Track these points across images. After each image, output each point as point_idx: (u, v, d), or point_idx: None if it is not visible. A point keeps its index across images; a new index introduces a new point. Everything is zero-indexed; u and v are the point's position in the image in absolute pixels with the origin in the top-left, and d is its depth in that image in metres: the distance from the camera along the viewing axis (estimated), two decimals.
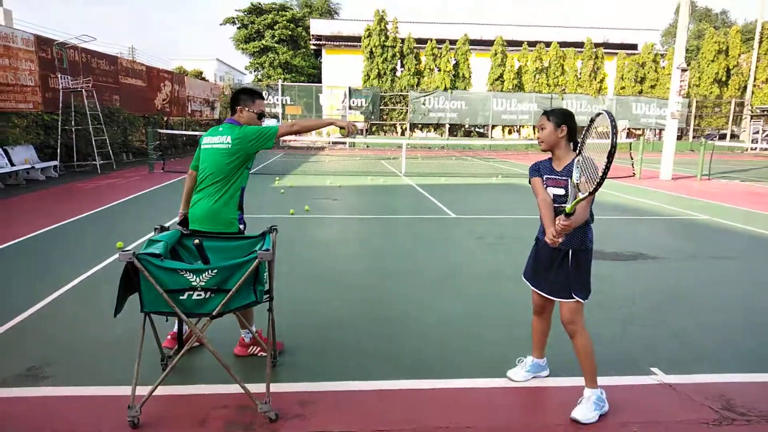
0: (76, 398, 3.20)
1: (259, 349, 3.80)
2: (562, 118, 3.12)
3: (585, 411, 3.01)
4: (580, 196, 2.80)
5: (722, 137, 38.17)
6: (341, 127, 3.77)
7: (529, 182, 3.26)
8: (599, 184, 2.71)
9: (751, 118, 37.92)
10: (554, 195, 3.13)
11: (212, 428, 2.89)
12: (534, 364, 3.51)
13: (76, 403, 3.15)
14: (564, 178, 3.11)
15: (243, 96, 3.72)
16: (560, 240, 2.93)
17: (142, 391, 2.96)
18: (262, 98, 3.83)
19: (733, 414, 3.09)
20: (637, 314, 4.71)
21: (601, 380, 3.36)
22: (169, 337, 3.79)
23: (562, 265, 3.14)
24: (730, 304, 5.11)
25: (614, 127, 2.62)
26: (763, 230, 8.70)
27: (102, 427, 2.89)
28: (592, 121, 2.92)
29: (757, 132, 37.24)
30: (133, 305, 2.94)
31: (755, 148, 34.83)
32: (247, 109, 3.69)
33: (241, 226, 3.72)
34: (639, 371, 3.64)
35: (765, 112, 36.84)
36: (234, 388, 3.19)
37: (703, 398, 3.27)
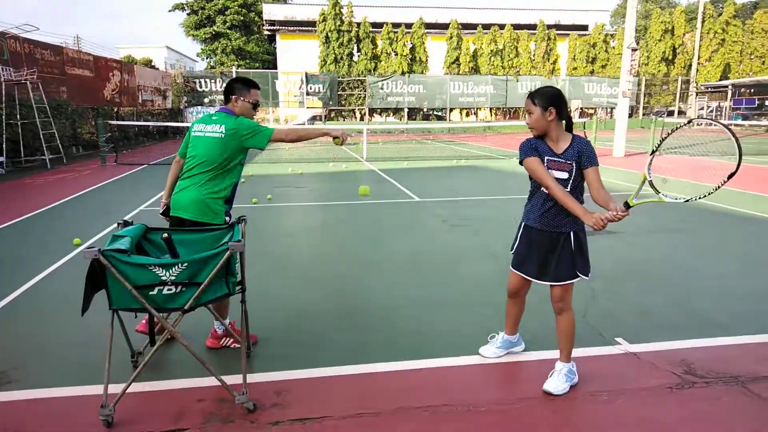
0: (46, 401, 3.11)
1: (232, 340, 3.76)
2: (548, 99, 2.97)
3: (557, 383, 3.12)
4: (662, 198, 2.86)
5: (670, 114, 39.57)
6: (335, 137, 3.72)
7: (521, 162, 3.09)
8: (710, 193, 2.91)
9: (697, 95, 39.41)
10: (556, 179, 3.02)
11: (190, 422, 2.86)
12: (505, 340, 3.58)
13: (46, 406, 3.06)
14: (568, 162, 3.02)
15: (238, 85, 3.63)
16: (606, 225, 2.86)
17: (116, 389, 2.90)
18: (258, 88, 3.75)
19: (693, 377, 3.26)
20: (599, 288, 4.88)
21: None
22: (143, 321, 3.69)
23: (564, 247, 3.12)
24: (685, 273, 5.35)
25: (736, 140, 2.66)
26: (710, 202, 9.09)
27: (75, 428, 2.82)
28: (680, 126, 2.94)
29: (702, 108, 38.77)
30: (98, 302, 2.86)
31: (701, 124, 36.15)
32: (242, 98, 3.61)
33: (227, 218, 3.66)
34: (604, 342, 3.78)
35: (709, 89, 38.32)
36: (210, 381, 3.15)
37: (666, 364, 3.43)
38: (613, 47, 38.68)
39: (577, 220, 3.05)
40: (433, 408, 2.97)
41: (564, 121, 3.07)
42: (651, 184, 2.93)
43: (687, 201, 2.93)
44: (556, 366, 3.21)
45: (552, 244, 3.14)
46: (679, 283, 5.05)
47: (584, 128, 21.18)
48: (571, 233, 3.12)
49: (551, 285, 3.19)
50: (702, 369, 3.36)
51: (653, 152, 3.03)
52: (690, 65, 39.86)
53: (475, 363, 3.52)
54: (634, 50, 17.57)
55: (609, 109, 38.58)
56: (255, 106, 3.69)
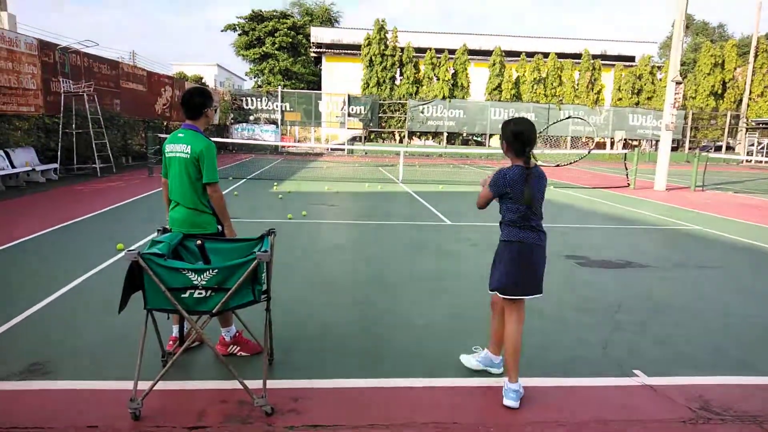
0: (79, 392, 3.33)
1: (239, 348, 3.92)
2: (505, 135, 3.36)
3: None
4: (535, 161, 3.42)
5: (718, 149, 38.49)
6: (228, 234, 3.86)
7: None
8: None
9: (747, 131, 38.26)
10: None
11: (211, 421, 3.01)
12: (486, 357, 3.70)
13: (79, 397, 3.27)
14: None
15: (206, 98, 3.80)
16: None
17: (143, 385, 3.08)
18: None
19: (709, 413, 3.23)
20: (623, 320, 4.85)
21: (585, 381, 3.52)
22: (170, 341, 3.91)
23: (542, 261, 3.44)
24: (713, 310, 5.25)
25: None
26: (750, 240, 8.87)
27: (104, 420, 3.01)
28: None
29: (753, 144, 37.57)
30: (132, 305, 3.06)
31: (750, 161, 35.10)
32: (210, 109, 3.82)
33: (219, 227, 3.86)
34: (622, 373, 3.77)
35: (760, 125, 37.17)
36: (231, 384, 3.32)
37: (682, 399, 3.41)
38: (660, 79, 38.07)
39: (501, 229, 3.42)
40: (443, 425, 3.05)
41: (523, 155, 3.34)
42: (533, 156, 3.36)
43: (557, 165, 3.64)
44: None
45: (542, 258, 3.47)
46: (705, 319, 4.98)
47: (625, 160, 20.88)
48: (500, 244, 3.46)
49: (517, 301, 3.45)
50: (719, 406, 3.33)
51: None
52: (740, 100, 38.83)
53: (486, 385, 3.57)
54: (678, 83, 17.32)
55: (654, 142, 37.84)
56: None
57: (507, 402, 3.26)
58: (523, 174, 3.24)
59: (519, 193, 3.24)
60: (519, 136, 3.28)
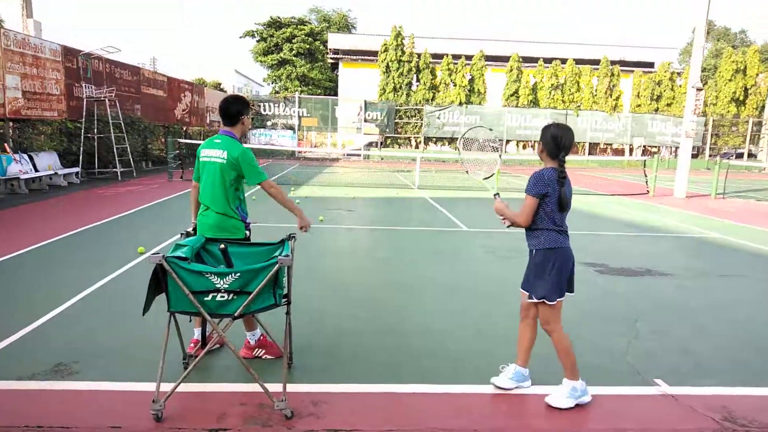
0: (102, 392, 3.38)
1: (264, 351, 3.96)
2: (544, 138, 3.44)
3: (557, 396, 3.37)
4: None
5: (739, 156, 37.90)
6: (301, 225, 3.96)
7: None
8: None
9: None
10: None
11: (231, 423, 3.04)
12: (518, 372, 3.59)
13: (102, 397, 3.33)
14: None
15: (242, 106, 3.86)
16: (504, 222, 3.52)
17: (165, 387, 3.12)
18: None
19: (733, 425, 3.18)
20: (643, 328, 4.80)
21: (606, 389, 3.49)
22: (192, 344, 3.96)
23: (530, 264, 3.60)
24: (736, 320, 5.17)
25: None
26: None
27: (127, 420, 3.06)
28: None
29: None
30: (155, 307, 3.11)
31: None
32: (247, 116, 3.88)
33: (247, 232, 3.90)
34: (643, 382, 3.73)
35: None
36: (251, 387, 3.35)
37: (705, 409, 3.37)
38: (680, 85, 37.64)
39: (536, 237, 3.42)
40: (461, 431, 3.04)
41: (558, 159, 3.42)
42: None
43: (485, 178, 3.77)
44: (563, 382, 3.39)
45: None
46: (729, 329, 4.90)
47: (644, 166, 20.67)
48: (534, 251, 3.48)
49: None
50: (744, 417, 3.28)
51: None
52: (763, 106, 38.23)
53: (508, 392, 3.56)
54: (699, 90, 17.12)
55: (673, 149, 37.40)
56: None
57: (568, 401, 3.33)
58: (557, 175, 3.32)
59: (556, 193, 3.30)
60: (556, 139, 3.37)
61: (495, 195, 3.63)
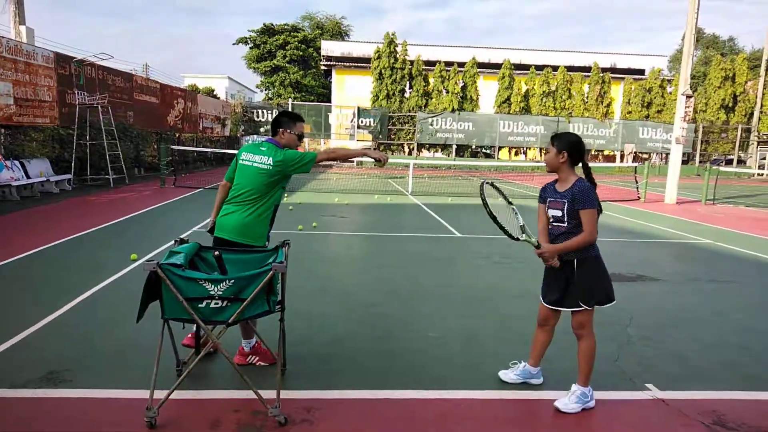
0: (95, 400, 3.37)
1: (257, 358, 3.96)
2: (565, 144, 3.34)
3: (567, 402, 3.35)
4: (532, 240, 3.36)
5: (729, 162, 38.28)
6: (376, 159, 4.00)
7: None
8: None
9: (758, 144, 38.06)
10: (552, 215, 3.38)
11: (225, 430, 3.04)
12: (525, 370, 3.72)
13: (95, 405, 3.32)
14: (561, 200, 3.35)
15: (284, 119, 3.95)
16: (554, 263, 3.29)
17: (159, 394, 3.12)
18: (302, 121, 4.07)
19: (723, 429, 3.22)
20: (635, 333, 4.85)
21: (597, 395, 3.52)
22: (189, 335, 3.96)
23: (571, 275, 3.38)
24: (726, 325, 5.23)
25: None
26: (763, 254, 8.81)
27: (121, 427, 3.05)
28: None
29: (764, 158, 37.35)
30: (149, 314, 3.11)
31: (762, 174, 34.88)
32: (288, 131, 3.93)
33: (267, 243, 3.92)
34: (634, 387, 3.77)
35: None
36: (245, 394, 3.35)
37: (695, 413, 3.40)
38: (670, 93, 38.02)
39: (580, 251, 3.32)
40: None
41: (578, 165, 3.41)
42: (522, 229, 3.51)
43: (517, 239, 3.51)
44: (572, 387, 3.40)
45: (559, 272, 3.39)
46: (718, 334, 4.95)
47: (635, 173, 20.83)
48: (575, 261, 3.33)
49: (571, 312, 3.42)
50: (734, 421, 3.31)
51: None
52: (752, 113, 38.67)
53: (500, 398, 3.59)
54: (689, 97, 17.31)
55: (664, 155, 37.72)
56: (300, 137, 4.01)
57: (576, 406, 3.35)
58: (590, 181, 3.39)
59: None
60: (579, 145, 3.36)
61: (537, 245, 3.42)
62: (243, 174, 3.83)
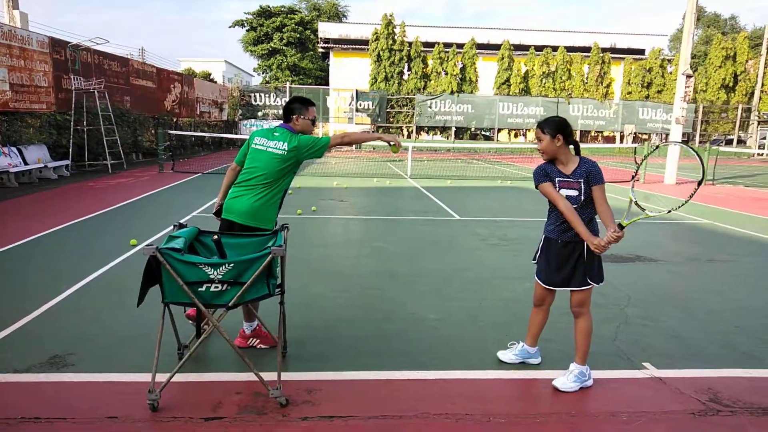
0: (98, 384, 3.41)
1: (258, 341, 3.99)
2: (556, 127, 3.35)
3: (565, 380, 3.41)
4: (648, 213, 3.31)
5: (729, 142, 38.19)
6: (392, 143, 4.01)
7: (537, 187, 3.45)
8: (681, 205, 3.38)
9: (759, 124, 37.91)
10: (567, 196, 3.38)
11: (227, 412, 3.08)
12: (523, 349, 3.79)
13: (98, 389, 3.35)
14: (577, 180, 3.36)
15: (297, 105, 3.94)
16: (608, 247, 3.25)
17: (161, 377, 3.15)
18: (314, 105, 4.06)
19: (719, 405, 3.26)
20: (633, 314, 4.88)
21: (595, 374, 3.56)
22: (190, 311, 3.97)
23: (578, 256, 3.43)
24: (723, 304, 5.26)
25: (701, 159, 3.14)
26: (762, 234, 8.83)
27: (123, 410, 3.09)
28: (656, 147, 3.44)
29: (765, 138, 37.24)
30: (149, 298, 3.14)
31: (762, 154, 34.81)
32: (302, 117, 3.92)
33: (275, 227, 3.92)
34: (632, 366, 3.81)
35: None
36: (246, 376, 3.39)
37: (691, 391, 3.44)
38: (670, 72, 37.78)
39: (591, 229, 3.35)
40: (455, 416, 3.10)
41: (572, 146, 3.41)
42: (636, 204, 3.42)
43: (669, 212, 3.44)
44: (570, 366, 3.46)
45: (568, 253, 3.42)
46: (717, 313, 4.99)
47: (635, 153, 20.78)
48: (584, 243, 3.36)
49: (570, 291, 3.47)
50: (729, 398, 3.36)
51: (634, 177, 3.64)
52: (752, 93, 38.46)
53: (497, 377, 3.63)
54: (689, 77, 17.21)
55: (664, 135, 37.61)
56: (313, 122, 4.01)
57: (575, 385, 3.40)
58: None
59: None
60: (566, 125, 3.39)
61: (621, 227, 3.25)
62: (256, 158, 3.83)
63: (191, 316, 3.95)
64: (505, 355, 3.82)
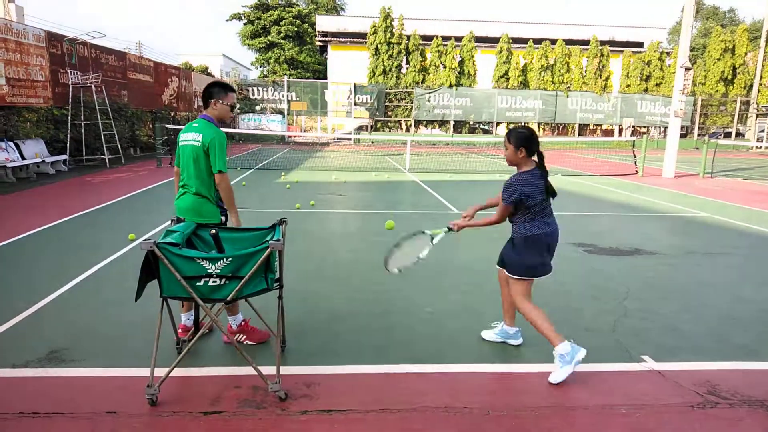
0: (97, 378, 3.41)
1: (245, 337, 3.96)
2: (520, 141, 3.60)
3: (554, 373, 3.47)
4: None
5: (727, 135, 38.17)
6: (233, 223, 3.92)
7: (506, 203, 3.79)
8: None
9: (757, 117, 37.89)
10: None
11: (225, 406, 3.08)
12: (503, 330, 4.03)
13: (97, 383, 3.35)
14: None
15: (216, 89, 3.88)
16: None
17: (159, 372, 3.15)
18: (234, 91, 4.00)
19: (717, 398, 3.27)
20: (632, 306, 4.89)
21: (594, 367, 3.57)
22: (179, 329, 3.96)
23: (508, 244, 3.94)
24: (721, 297, 5.27)
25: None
26: (759, 227, 8.84)
27: (122, 405, 3.09)
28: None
29: (763, 130, 37.21)
30: (147, 293, 3.13)
31: (761, 147, 34.81)
32: (220, 102, 3.87)
33: (223, 218, 3.96)
34: (630, 359, 3.81)
35: None
36: (245, 370, 3.39)
37: (690, 384, 3.45)
38: (669, 65, 37.70)
39: (517, 228, 3.78)
40: (453, 408, 3.11)
41: (534, 156, 3.68)
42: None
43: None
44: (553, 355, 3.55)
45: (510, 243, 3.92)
46: (713, 306, 4.99)
47: (633, 147, 20.77)
48: (513, 238, 3.84)
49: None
50: (727, 391, 3.36)
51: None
52: (751, 85, 38.41)
53: (496, 370, 3.64)
54: (687, 69, 17.17)
55: (662, 129, 37.58)
56: (232, 108, 3.96)
57: (563, 371, 3.45)
58: (540, 173, 3.66)
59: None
60: (531, 138, 3.61)
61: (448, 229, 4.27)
62: (183, 154, 3.82)
63: (181, 337, 3.87)
64: (487, 334, 4.09)
